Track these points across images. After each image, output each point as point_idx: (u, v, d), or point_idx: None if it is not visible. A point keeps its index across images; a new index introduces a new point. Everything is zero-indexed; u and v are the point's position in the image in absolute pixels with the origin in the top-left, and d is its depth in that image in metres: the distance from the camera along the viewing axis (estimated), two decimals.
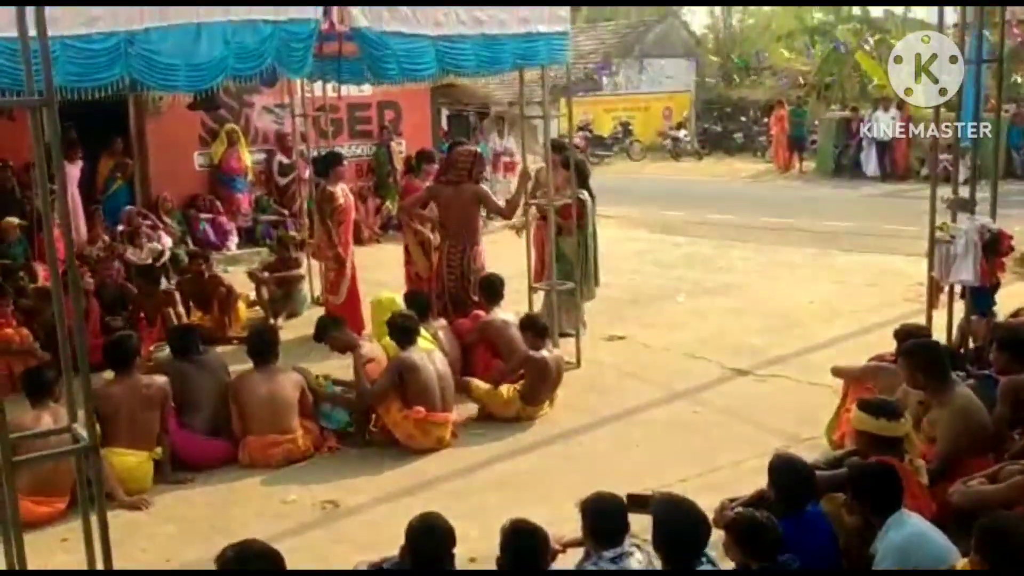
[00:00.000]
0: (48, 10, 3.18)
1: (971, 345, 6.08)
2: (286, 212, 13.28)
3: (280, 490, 5.60)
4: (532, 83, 10.11)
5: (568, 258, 8.24)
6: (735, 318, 9.01)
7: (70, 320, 3.41)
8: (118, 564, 3.52)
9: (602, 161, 25.70)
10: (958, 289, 6.25)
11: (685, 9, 38.77)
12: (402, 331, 6.25)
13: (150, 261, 9.85)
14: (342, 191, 8.50)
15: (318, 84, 9.91)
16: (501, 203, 8.34)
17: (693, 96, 30.02)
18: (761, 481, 4.12)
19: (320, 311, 8.72)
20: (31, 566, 3.52)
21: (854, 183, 19.37)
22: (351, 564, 4.09)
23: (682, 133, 27.34)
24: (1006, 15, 16.35)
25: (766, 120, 25.65)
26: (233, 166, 13.18)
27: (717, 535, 3.73)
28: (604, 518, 3.58)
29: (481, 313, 7.28)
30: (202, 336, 6.93)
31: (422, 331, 6.47)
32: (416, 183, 9.17)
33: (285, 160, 13.43)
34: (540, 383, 6.56)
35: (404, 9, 6.20)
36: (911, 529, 3.55)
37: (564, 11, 7.05)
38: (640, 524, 3.84)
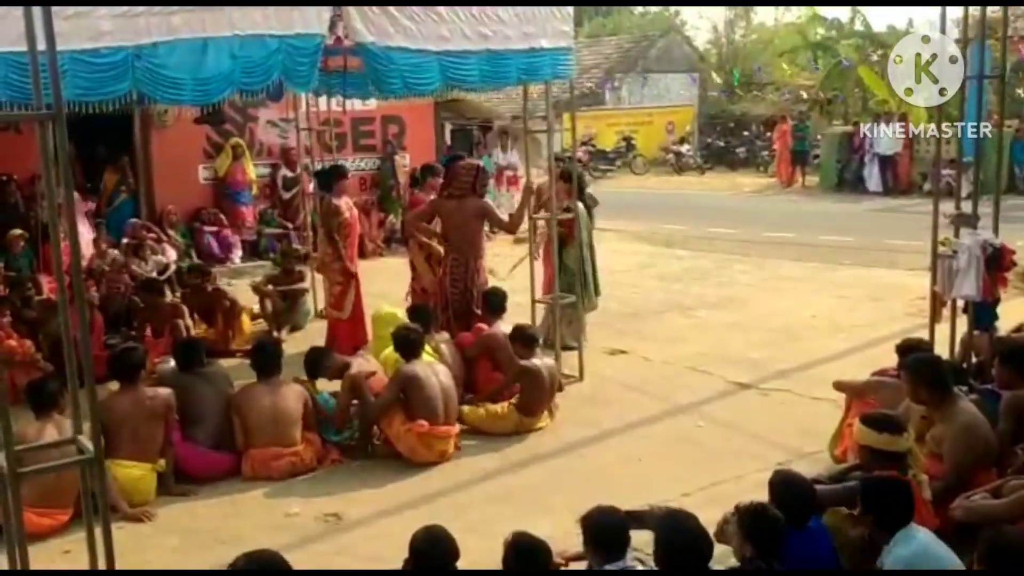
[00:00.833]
0: (57, 24, 3.22)
1: (973, 360, 6.08)
2: (290, 225, 13.33)
3: (282, 503, 5.60)
4: (536, 99, 10.17)
5: (571, 269, 8.29)
6: (737, 332, 9.01)
7: (75, 332, 3.43)
8: None
9: (605, 175, 25.79)
10: (960, 303, 6.25)
11: (688, 24, 39.09)
12: (407, 344, 6.27)
13: (155, 274, 9.88)
14: (346, 204, 8.53)
15: (323, 98, 9.97)
16: (505, 218, 8.37)
17: (696, 111, 30.13)
18: (764, 495, 4.11)
19: (322, 325, 8.78)
20: None
21: (856, 197, 19.41)
22: None
23: (685, 147, 27.43)
24: (1008, 31, 16.45)
25: (769, 135, 25.74)
26: (238, 179, 13.24)
27: (720, 550, 3.74)
28: (605, 532, 3.59)
29: (484, 326, 7.30)
30: (206, 349, 6.96)
31: (425, 344, 6.49)
32: (421, 196, 9.19)
33: (289, 174, 13.49)
34: (534, 392, 6.58)
35: (409, 24, 6.24)
36: (919, 545, 3.54)
37: (568, 27, 7.09)
38: (642, 538, 3.85)
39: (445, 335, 7.25)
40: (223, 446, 6.02)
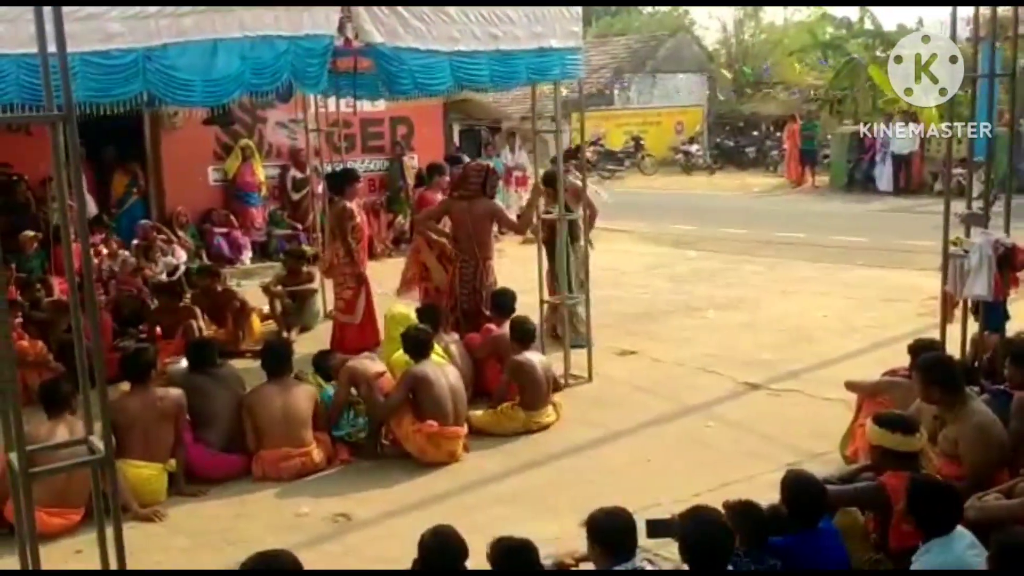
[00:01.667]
0: (67, 26, 3.23)
1: (985, 359, 6.04)
2: (299, 227, 13.37)
3: (292, 503, 5.62)
4: (544, 97, 10.17)
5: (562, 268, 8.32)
6: (747, 332, 8.99)
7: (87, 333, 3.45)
8: None
9: (614, 175, 25.75)
10: (971, 303, 6.22)
11: (697, 24, 38.99)
12: (417, 344, 6.27)
13: (164, 276, 9.91)
14: (357, 207, 8.54)
15: (331, 99, 9.99)
16: (514, 218, 8.38)
17: (705, 110, 30.07)
18: (775, 496, 4.10)
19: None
20: None
21: (867, 197, 19.33)
22: None
23: (694, 147, 27.38)
24: (1020, 29, 16.34)
25: (779, 134, 25.67)
26: (247, 181, 13.29)
27: None
28: (611, 533, 3.57)
29: (492, 327, 7.30)
30: (218, 350, 6.98)
31: (435, 345, 6.49)
32: (429, 195, 9.20)
33: (299, 175, 13.52)
34: (531, 386, 6.59)
35: (419, 25, 6.25)
36: (954, 558, 3.49)
37: (577, 27, 7.09)
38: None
39: (455, 336, 7.25)
40: (234, 447, 6.03)
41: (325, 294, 9.79)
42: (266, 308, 9.56)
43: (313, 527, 5.30)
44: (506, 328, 7.11)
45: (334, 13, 5.83)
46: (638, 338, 8.93)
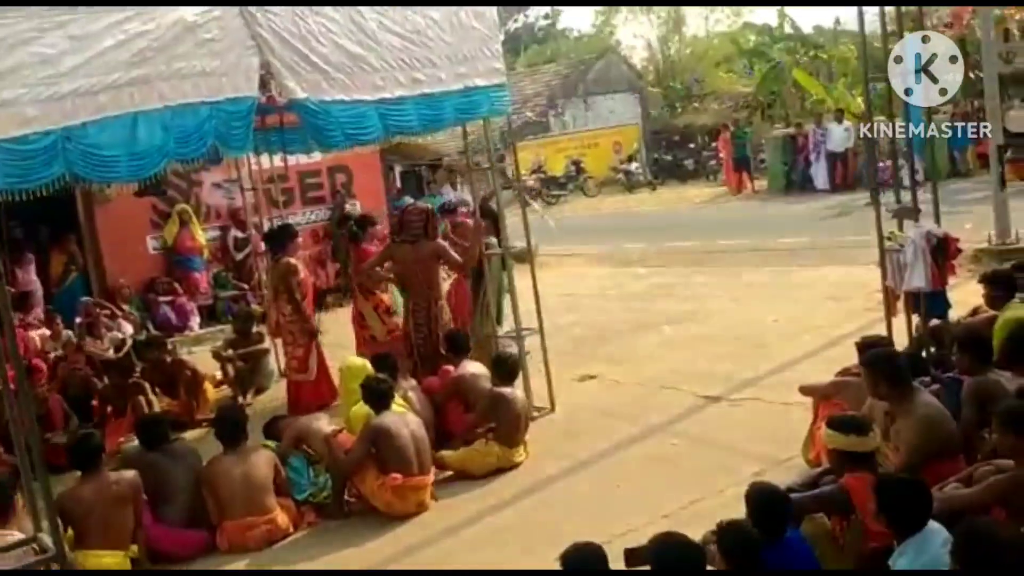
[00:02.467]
0: None
1: (932, 350, 6.14)
2: (245, 287, 13.21)
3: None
4: (479, 132, 10.21)
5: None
6: (704, 345, 9.05)
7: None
8: None
9: (558, 200, 25.94)
10: (904, 297, 6.32)
11: (624, 44, 39.68)
12: (377, 395, 6.20)
13: (112, 351, 9.71)
14: (300, 263, 8.46)
15: (265, 155, 9.93)
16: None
17: (640, 128, 30.47)
18: (743, 509, 4.11)
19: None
20: None
21: (806, 197, 19.67)
22: None
23: (633, 165, 27.70)
24: (933, 20, 16.76)
25: (714, 145, 26.09)
26: (188, 246, 13.11)
27: None
28: (585, 569, 3.55)
29: (450, 368, 7.26)
30: (171, 422, 6.84)
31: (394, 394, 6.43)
32: (367, 248, 9.10)
33: (240, 234, 13.39)
34: (509, 420, 6.56)
35: (341, 76, 6.22)
36: (929, 559, 3.47)
37: (499, 64, 7.13)
38: None
39: (412, 382, 7.19)
40: (196, 523, 5.91)
41: (278, 353, 9.66)
42: (219, 374, 9.42)
43: None
44: (465, 368, 7.08)
45: (253, 73, 5.79)
46: (597, 361, 8.94)
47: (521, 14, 49.52)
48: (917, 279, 5.84)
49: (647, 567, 3.74)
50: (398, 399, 6.50)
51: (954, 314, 6.50)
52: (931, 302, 6.09)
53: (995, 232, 10.64)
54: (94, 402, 8.57)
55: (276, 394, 9.05)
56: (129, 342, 10.08)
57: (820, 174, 20.27)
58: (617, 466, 6.39)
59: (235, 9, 5.66)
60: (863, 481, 3.96)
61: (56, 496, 5.07)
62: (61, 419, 7.89)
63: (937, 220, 6.22)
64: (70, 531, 5.27)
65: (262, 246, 10.95)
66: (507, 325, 8.28)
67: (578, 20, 79.38)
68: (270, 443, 6.50)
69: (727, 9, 37.79)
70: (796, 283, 11.25)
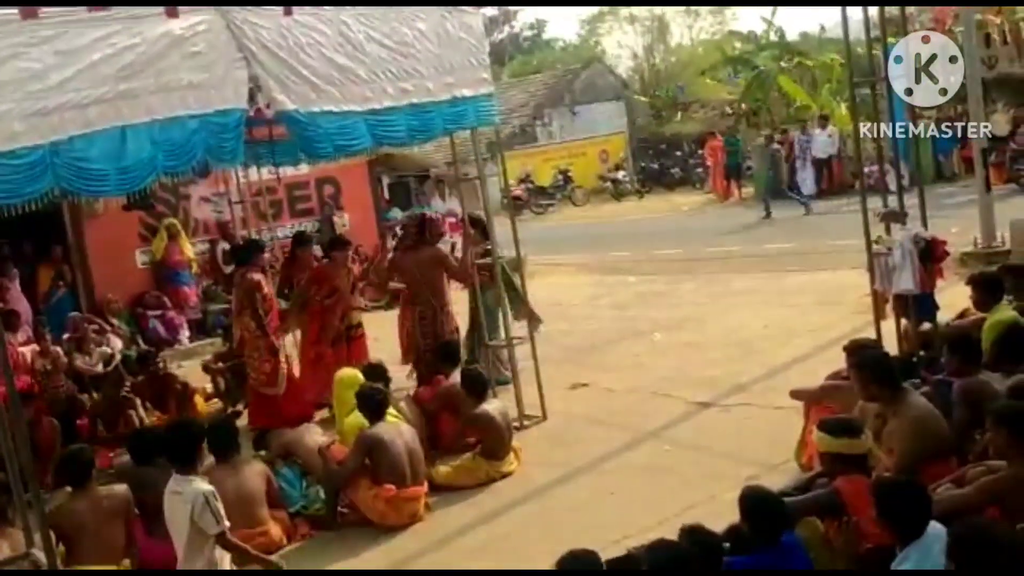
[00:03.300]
0: None
1: (922, 352, 6.17)
2: None
3: None
4: (467, 142, 10.24)
5: (492, 310, 8.27)
6: (694, 351, 9.07)
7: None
8: None
9: (546, 210, 25.98)
10: (892, 300, 6.36)
11: (608, 53, 39.83)
12: (373, 404, 6.18)
13: (100, 367, 9.67)
14: (265, 279, 8.38)
15: (252, 168, 9.90)
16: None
17: (627, 137, 30.58)
18: (736, 515, 4.12)
19: None
20: None
21: (793, 203, 19.72)
22: None
23: (621, 174, 27.76)
24: (915, 25, 16.90)
25: (700, 152, 26.19)
26: (176, 260, 13.07)
27: None
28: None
29: (442, 378, 7.25)
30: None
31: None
32: (327, 269, 8.92)
33: (229, 247, 13.35)
34: (493, 437, 6.55)
35: (330, 88, 6.23)
36: (932, 563, 3.44)
37: (486, 74, 7.17)
38: None
39: (403, 392, 7.18)
40: None
41: None
42: (209, 387, 9.39)
43: None
44: (456, 378, 7.07)
45: (242, 86, 5.79)
46: (589, 369, 8.95)
47: (507, 25, 49.74)
48: (905, 282, 5.88)
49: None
50: (391, 409, 6.49)
51: (942, 317, 6.55)
52: (919, 305, 6.12)
53: (981, 235, 10.71)
54: (81, 420, 8.50)
55: None
56: (118, 357, 10.04)
57: (806, 180, 20.37)
58: (611, 474, 6.39)
59: (222, 22, 5.67)
60: (855, 483, 3.97)
61: (48, 511, 5.05)
62: (53, 444, 7.77)
63: (924, 224, 6.27)
64: (62, 546, 5.23)
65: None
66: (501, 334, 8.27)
67: (563, 30, 79.81)
68: (261, 453, 6.48)
69: (711, 17, 38.05)
70: (785, 288, 11.29)
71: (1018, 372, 4.88)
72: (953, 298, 7.21)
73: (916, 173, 7.97)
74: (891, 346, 6.19)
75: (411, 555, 5.59)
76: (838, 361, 6.34)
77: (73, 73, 5.06)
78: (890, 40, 6.74)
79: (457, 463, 6.57)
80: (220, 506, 4.48)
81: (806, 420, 5.64)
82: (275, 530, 5.88)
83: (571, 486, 6.29)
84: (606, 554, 3.93)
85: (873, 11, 6.85)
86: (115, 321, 11.82)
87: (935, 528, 3.56)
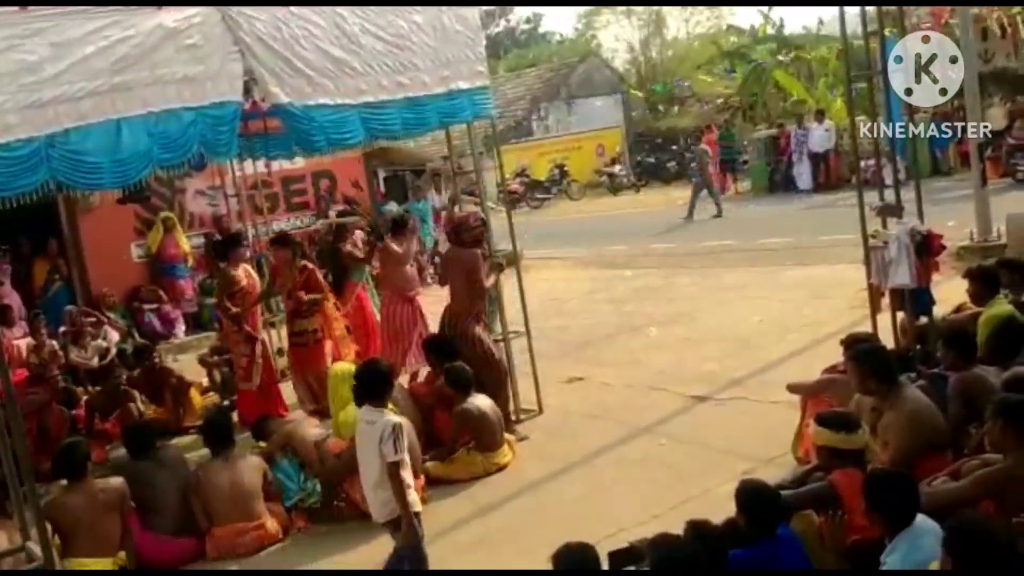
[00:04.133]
0: None
1: (918, 346, 6.18)
2: None
3: None
4: (463, 136, 10.21)
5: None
6: (691, 346, 9.07)
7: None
8: None
9: (543, 204, 25.96)
10: (888, 295, 6.36)
11: (605, 47, 39.77)
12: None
13: (96, 361, 9.65)
14: (244, 272, 8.37)
15: (248, 161, 9.89)
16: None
17: (623, 131, 30.54)
18: (732, 508, 4.12)
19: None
20: None
21: (789, 197, 19.76)
22: None
23: (617, 168, 27.76)
24: (912, 19, 16.85)
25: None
26: (172, 253, 13.07)
27: None
28: (576, 569, 3.55)
29: (438, 373, 7.23)
30: (158, 429, 6.82)
31: None
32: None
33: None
34: (484, 431, 6.56)
35: (325, 81, 6.22)
36: (921, 554, 3.46)
37: (482, 67, 7.14)
38: None
39: (398, 384, 7.16)
40: (184, 530, 5.88)
41: None
42: (205, 381, 9.38)
43: None
44: None
45: (237, 79, 5.78)
46: (585, 364, 8.95)
47: (503, 19, 49.64)
48: (901, 276, 5.88)
49: (633, 568, 3.75)
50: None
51: (938, 311, 6.55)
52: (915, 299, 6.12)
53: (977, 229, 10.72)
54: (76, 411, 8.49)
55: None
56: (114, 350, 10.03)
57: (803, 174, 20.37)
58: (606, 467, 6.40)
59: (217, 15, 5.66)
60: (851, 477, 3.97)
61: (44, 505, 5.05)
62: (62, 431, 7.79)
63: (920, 218, 6.26)
64: (57, 539, 5.23)
65: (247, 253, 10.90)
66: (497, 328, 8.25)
67: (559, 24, 79.61)
68: (260, 445, 6.48)
69: (707, 11, 38.01)
70: (781, 283, 11.29)
71: (1014, 366, 4.89)
72: (949, 292, 7.21)
73: (912, 167, 7.95)
74: (887, 340, 6.19)
75: None
76: (834, 355, 6.36)
77: (68, 65, 5.05)
78: (887, 33, 6.73)
79: (452, 457, 6.57)
80: (404, 442, 4.51)
81: (803, 414, 5.65)
82: (271, 523, 5.89)
83: (567, 480, 6.30)
84: (602, 547, 3.94)
85: (870, 7, 6.83)
86: (111, 315, 11.80)
87: (925, 521, 3.58)
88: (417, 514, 4.59)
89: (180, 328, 12.75)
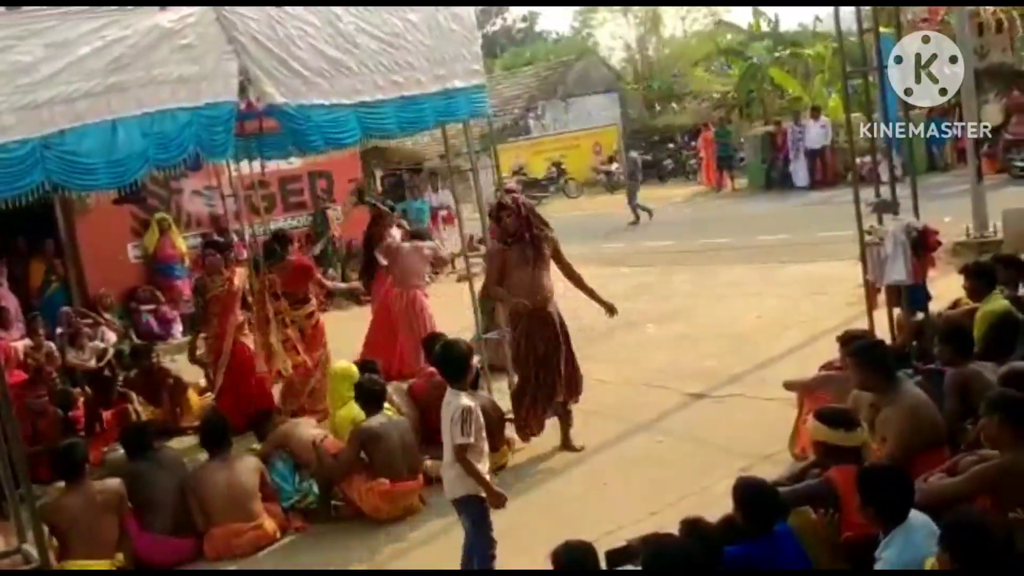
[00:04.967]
0: None
1: (914, 342, 6.19)
2: None
3: None
4: (460, 135, 10.20)
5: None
6: (688, 343, 9.08)
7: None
8: None
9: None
10: (885, 291, 6.37)
11: (601, 45, 39.76)
12: (371, 396, 6.17)
13: (94, 362, 9.64)
14: (224, 278, 8.37)
15: (245, 161, 9.86)
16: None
17: (620, 129, 30.53)
18: (729, 505, 4.12)
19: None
20: None
21: (786, 194, 19.76)
22: None
23: (614, 166, 27.72)
24: (908, 16, 16.86)
25: (693, 144, 26.17)
26: (168, 253, 13.07)
27: None
28: (576, 567, 3.55)
29: (434, 371, 7.22)
30: (156, 430, 6.82)
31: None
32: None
33: (222, 241, 13.30)
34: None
35: (320, 81, 6.20)
36: (914, 550, 3.46)
37: (478, 65, 7.12)
38: None
39: (395, 384, 7.17)
40: (182, 531, 5.88)
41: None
42: (203, 381, 9.36)
43: None
44: None
45: (233, 79, 5.76)
46: (582, 361, 8.83)
47: (499, 17, 49.60)
48: (898, 272, 5.89)
49: (630, 567, 3.75)
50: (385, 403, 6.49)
51: (935, 307, 6.56)
52: (912, 295, 6.13)
53: (973, 225, 10.73)
54: (74, 412, 8.48)
55: None
56: (111, 351, 10.02)
57: (800, 171, 20.38)
58: (604, 465, 6.40)
59: (211, 15, 5.64)
60: (848, 474, 3.97)
61: (40, 506, 5.04)
62: (57, 432, 7.77)
63: (916, 214, 6.27)
64: (54, 541, 5.23)
65: (244, 253, 10.89)
66: None
67: (556, 22, 79.56)
68: (256, 447, 6.49)
69: (704, 9, 37.98)
70: (778, 280, 11.30)
71: (1010, 361, 4.90)
72: (945, 288, 7.22)
73: (909, 163, 7.96)
74: (884, 336, 6.19)
75: (406, 548, 5.60)
76: (831, 352, 6.37)
77: (63, 66, 5.03)
78: (883, 30, 6.74)
79: None
80: (474, 426, 4.55)
81: (800, 410, 5.66)
82: (268, 524, 5.89)
83: (565, 477, 6.30)
84: (600, 545, 3.95)
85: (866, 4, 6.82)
86: (108, 315, 11.80)
87: (919, 517, 3.58)
88: (481, 498, 4.65)
89: (177, 329, 12.73)
